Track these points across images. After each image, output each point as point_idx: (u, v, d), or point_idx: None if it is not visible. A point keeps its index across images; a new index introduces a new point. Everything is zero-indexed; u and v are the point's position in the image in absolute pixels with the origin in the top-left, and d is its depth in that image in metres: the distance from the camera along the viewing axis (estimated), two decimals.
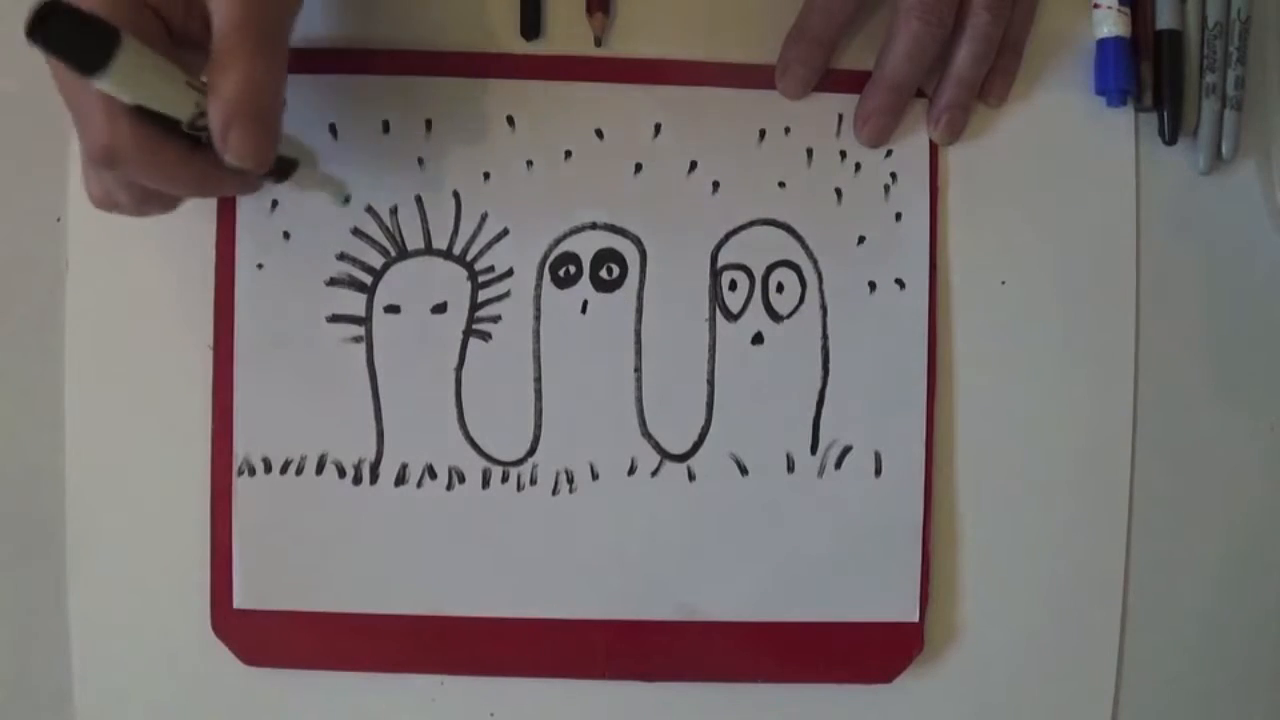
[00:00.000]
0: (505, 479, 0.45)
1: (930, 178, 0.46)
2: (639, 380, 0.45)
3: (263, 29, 0.34)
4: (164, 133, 0.33)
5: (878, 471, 0.45)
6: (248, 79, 0.33)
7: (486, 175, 0.45)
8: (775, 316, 0.45)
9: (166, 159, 0.33)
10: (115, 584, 0.44)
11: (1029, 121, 0.47)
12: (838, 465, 0.45)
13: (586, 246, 0.45)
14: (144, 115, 0.33)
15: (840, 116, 0.46)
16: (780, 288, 0.45)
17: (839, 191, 0.46)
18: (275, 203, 0.44)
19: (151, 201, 0.37)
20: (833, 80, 0.45)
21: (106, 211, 0.38)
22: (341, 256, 0.44)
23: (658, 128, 0.45)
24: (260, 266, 0.44)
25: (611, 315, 0.45)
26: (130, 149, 0.33)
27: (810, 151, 0.46)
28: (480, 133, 0.45)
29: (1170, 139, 0.46)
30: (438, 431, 0.44)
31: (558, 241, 0.45)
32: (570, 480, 0.45)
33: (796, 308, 0.45)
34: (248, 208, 0.44)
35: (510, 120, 0.45)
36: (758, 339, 0.45)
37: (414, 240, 0.45)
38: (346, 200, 0.44)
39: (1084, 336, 0.46)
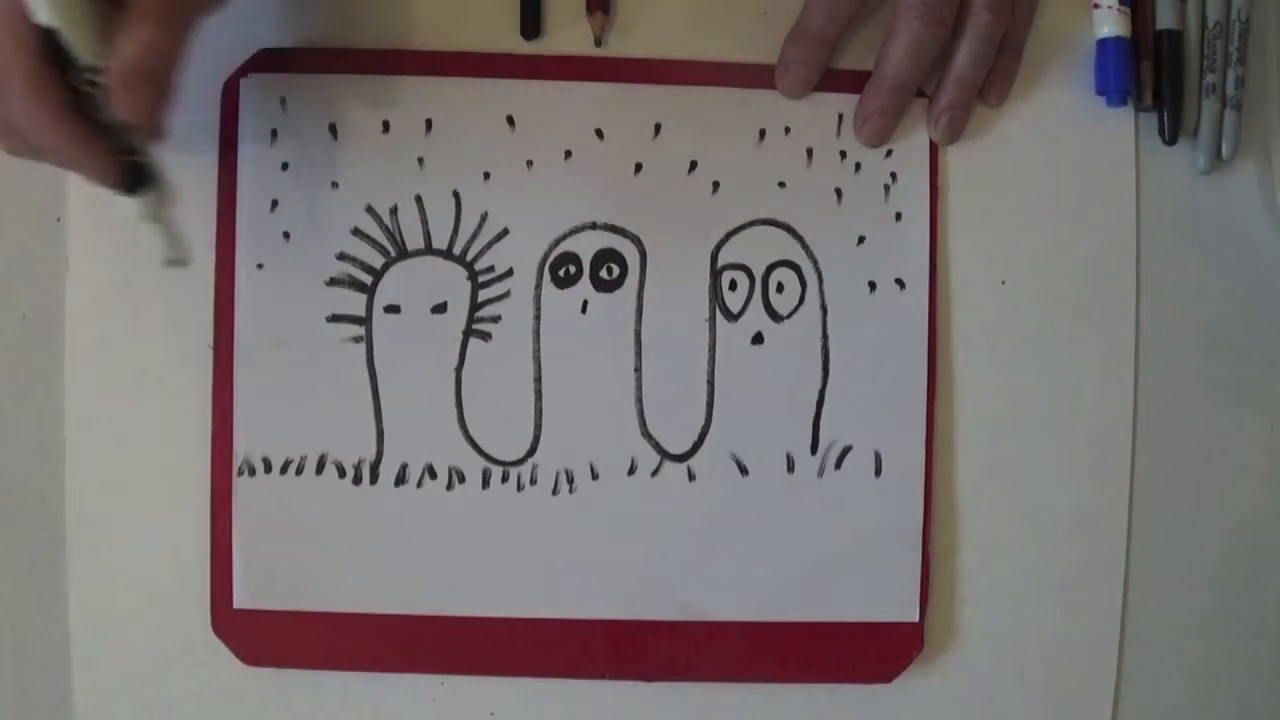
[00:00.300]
0: (505, 479, 0.45)
1: (930, 178, 0.46)
2: (639, 380, 0.45)
3: (173, 3, 0.36)
4: (54, 75, 0.35)
5: (878, 471, 0.45)
6: (150, 44, 0.35)
7: (486, 175, 0.45)
8: (775, 316, 0.45)
9: (44, 99, 0.35)
10: (115, 584, 0.44)
11: (1029, 121, 0.47)
12: (838, 465, 0.45)
13: (586, 246, 0.45)
14: (44, 52, 0.34)
15: (840, 116, 0.46)
16: (780, 288, 0.45)
17: (839, 191, 0.46)
18: (275, 203, 0.44)
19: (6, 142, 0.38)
20: (833, 80, 0.45)
21: None
22: (341, 256, 0.44)
23: (658, 128, 0.45)
24: (260, 266, 0.44)
25: (611, 315, 0.45)
26: (17, 76, 0.34)
27: (810, 151, 0.46)
28: (480, 133, 0.45)
29: (1170, 139, 0.46)
30: (438, 431, 0.44)
31: (558, 241, 0.45)
32: (570, 480, 0.45)
33: (796, 308, 0.45)
34: (248, 208, 0.44)
35: (510, 120, 0.45)
36: (758, 339, 0.45)
37: (414, 240, 0.45)
38: (178, 263, 0.38)
39: (1084, 336, 0.46)
